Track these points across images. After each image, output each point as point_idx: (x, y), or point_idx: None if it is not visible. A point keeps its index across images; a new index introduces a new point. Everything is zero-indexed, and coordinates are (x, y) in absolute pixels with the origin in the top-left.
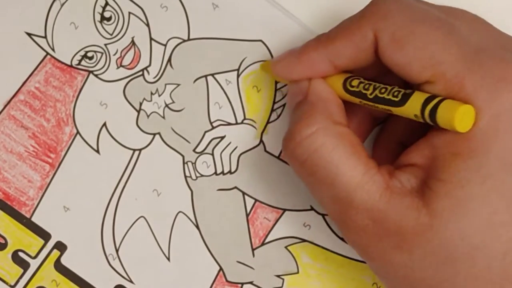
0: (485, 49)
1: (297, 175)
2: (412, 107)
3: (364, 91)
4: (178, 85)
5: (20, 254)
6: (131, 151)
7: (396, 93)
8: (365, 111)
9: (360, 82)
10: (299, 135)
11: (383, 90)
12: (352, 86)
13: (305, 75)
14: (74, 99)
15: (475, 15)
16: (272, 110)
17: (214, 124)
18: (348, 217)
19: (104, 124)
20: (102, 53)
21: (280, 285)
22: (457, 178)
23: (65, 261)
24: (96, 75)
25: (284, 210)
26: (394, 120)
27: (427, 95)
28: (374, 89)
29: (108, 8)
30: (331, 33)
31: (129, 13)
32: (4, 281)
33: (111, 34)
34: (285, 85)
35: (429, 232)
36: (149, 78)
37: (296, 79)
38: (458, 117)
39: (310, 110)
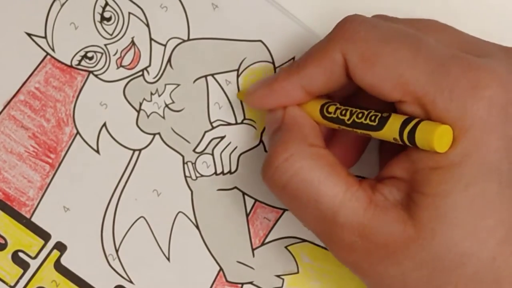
0: (453, 58)
1: (280, 201)
2: (390, 131)
3: (341, 117)
4: (178, 85)
5: (20, 254)
6: (131, 151)
7: (373, 118)
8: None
9: (337, 108)
10: (276, 161)
11: (360, 115)
12: (329, 113)
13: (279, 104)
14: (74, 99)
15: (443, 24)
16: None
17: (214, 124)
18: (334, 236)
19: (104, 124)
20: (102, 53)
21: (280, 285)
22: (438, 190)
23: (65, 261)
24: (96, 75)
25: (284, 210)
26: None
27: (403, 117)
28: (351, 114)
29: (108, 8)
30: (301, 60)
31: (129, 13)
32: (4, 282)
33: (111, 34)
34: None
35: (416, 244)
36: (149, 78)
37: (270, 109)
38: (436, 138)
39: (285, 136)
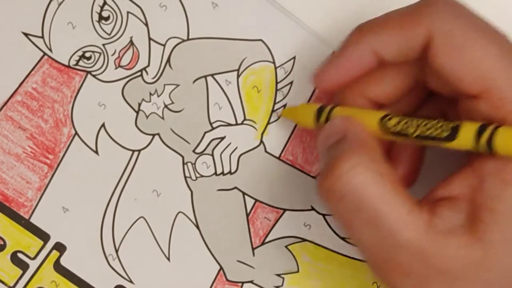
0: None
1: (333, 213)
2: (466, 139)
3: (405, 130)
4: (178, 85)
5: (19, 255)
6: (130, 152)
7: (443, 127)
8: (412, 152)
9: (399, 120)
10: (339, 169)
11: (428, 126)
12: (391, 126)
13: (349, 75)
14: (72, 99)
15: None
16: (273, 111)
17: (214, 125)
18: (391, 257)
19: (103, 125)
20: (100, 53)
21: (280, 284)
22: (510, 206)
23: (64, 262)
24: (94, 76)
25: (285, 210)
26: None
27: (477, 125)
28: (417, 126)
29: (106, 7)
30: (378, 22)
31: (128, 12)
32: (3, 283)
33: (109, 34)
34: (285, 86)
35: (482, 268)
36: (148, 78)
37: (337, 83)
38: None
39: (350, 147)
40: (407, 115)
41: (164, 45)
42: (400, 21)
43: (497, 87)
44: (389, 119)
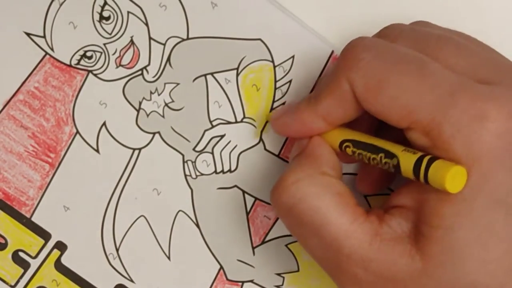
0: (460, 86)
1: (285, 225)
2: (407, 174)
3: (361, 159)
4: (178, 84)
5: (20, 254)
6: (131, 150)
7: (386, 166)
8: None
9: (353, 152)
10: (285, 182)
11: (375, 161)
12: (348, 154)
13: (302, 134)
14: (74, 98)
15: (466, 39)
16: (272, 109)
17: (214, 123)
18: (338, 266)
19: (104, 124)
20: (101, 53)
21: (280, 283)
22: (447, 223)
23: (65, 260)
24: (95, 75)
25: None
26: None
27: (413, 160)
28: (367, 159)
29: (107, 7)
30: (317, 93)
31: (128, 12)
32: (4, 281)
33: (110, 34)
34: (284, 84)
35: (424, 277)
36: (149, 77)
37: (295, 137)
38: (448, 180)
39: (300, 162)
40: (370, 128)
41: (164, 44)
42: (329, 85)
43: (419, 118)
44: (345, 147)
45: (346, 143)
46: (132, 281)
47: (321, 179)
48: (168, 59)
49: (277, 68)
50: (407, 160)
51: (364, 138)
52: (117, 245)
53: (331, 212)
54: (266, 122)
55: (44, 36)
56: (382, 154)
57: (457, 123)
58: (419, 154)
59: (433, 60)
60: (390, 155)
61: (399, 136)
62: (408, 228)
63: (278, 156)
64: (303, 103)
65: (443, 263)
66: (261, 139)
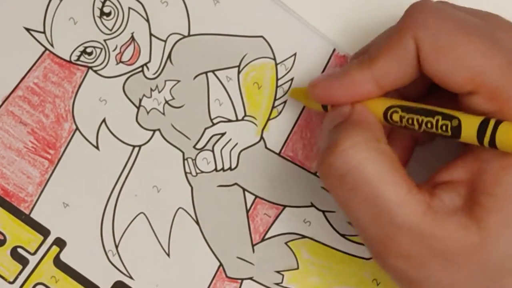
0: None
1: (332, 191)
2: (468, 138)
3: (409, 126)
4: (178, 81)
5: (19, 250)
6: (131, 147)
7: (444, 128)
8: (406, 135)
9: (401, 117)
10: (341, 146)
11: (429, 125)
12: (394, 121)
13: (348, 98)
14: (73, 95)
15: (508, 22)
16: (273, 107)
17: (215, 121)
18: (389, 238)
19: (104, 120)
20: (101, 49)
21: (280, 281)
22: (510, 192)
23: (64, 257)
24: (95, 71)
25: (285, 206)
26: None
27: (477, 123)
28: (419, 124)
29: (107, 3)
30: (372, 51)
31: (129, 8)
32: (3, 278)
33: (111, 30)
34: (285, 82)
35: (479, 250)
36: (149, 74)
37: (338, 103)
38: None
39: (352, 127)
40: (414, 100)
41: (165, 41)
42: (389, 43)
43: (487, 81)
44: (392, 113)
45: (393, 109)
46: (131, 278)
47: (376, 145)
48: (169, 56)
49: (278, 66)
50: (470, 122)
51: (413, 104)
52: (117, 242)
53: (387, 180)
54: (267, 120)
55: (44, 32)
56: (439, 117)
57: None
58: (483, 117)
59: None
60: (448, 117)
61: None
62: (461, 202)
63: (279, 154)
64: (353, 64)
65: (501, 236)
66: (262, 138)
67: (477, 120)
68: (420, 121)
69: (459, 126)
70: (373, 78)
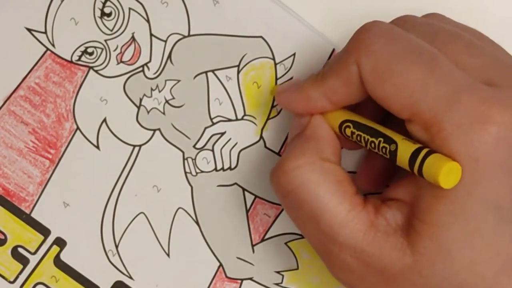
0: (467, 86)
1: (283, 207)
2: (403, 164)
3: (358, 142)
4: (179, 81)
5: (20, 250)
6: (131, 147)
7: (383, 150)
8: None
9: (352, 132)
10: (286, 167)
11: (372, 145)
12: (347, 135)
13: (305, 110)
14: (74, 94)
15: (483, 40)
16: (272, 106)
17: (214, 120)
18: (332, 254)
19: (104, 120)
20: (102, 49)
21: (280, 281)
22: (439, 221)
23: (64, 257)
24: (96, 71)
25: None
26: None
27: (411, 149)
28: (365, 142)
29: (108, 3)
30: (324, 71)
31: (130, 9)
32: (3, 277)
33: (111, 30)
34: (285, 82)
35: (413, 273)
36: (149, 74)
37: (299, 113)
38: (442, 175)
39: (301, 145)
40: (383, 112)
41: (165, 41)
42: (337, 65)
43: (421, 111)
44: (345, 128)
45: (347, 123)
46: (131, 277)
47: (321, 165)
48: (169, 56)
49: (278, 66)
50: (405, 148)
51: (366, 122)
52: (117, 242)
53: (329, 200)
54: (267, 119)
55: (45, 32)
56: (381, 139)
57: (458, 122)
58: (419, 145)
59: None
60: (389, 140)
61: (401, 130)
62: (402, 221)
63: (278, 154)
64: (309, 79)
65: (432, 261)
66: (261, 137)
67: (412, 148)
68: (366, 139)
69: (395, 151)
70: (324, 94)
